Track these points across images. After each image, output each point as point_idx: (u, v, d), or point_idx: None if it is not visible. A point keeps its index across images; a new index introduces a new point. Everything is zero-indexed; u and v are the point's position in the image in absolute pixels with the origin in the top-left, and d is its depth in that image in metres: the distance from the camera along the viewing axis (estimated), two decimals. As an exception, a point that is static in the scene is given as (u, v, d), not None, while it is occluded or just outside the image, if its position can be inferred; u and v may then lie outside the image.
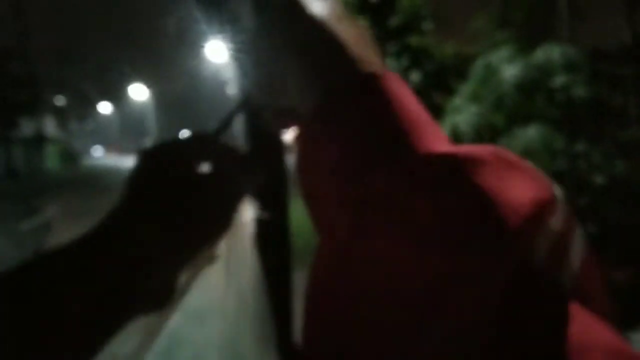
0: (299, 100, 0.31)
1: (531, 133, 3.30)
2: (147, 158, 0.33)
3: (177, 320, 0.38)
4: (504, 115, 3.45)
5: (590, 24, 4.22)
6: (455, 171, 0.26)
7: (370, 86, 0.29)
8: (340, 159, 0.28)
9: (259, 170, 0.36)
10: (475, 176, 0.25)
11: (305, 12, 0.31)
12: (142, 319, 0.33)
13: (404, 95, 0.29)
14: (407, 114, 0.28)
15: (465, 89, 3.60)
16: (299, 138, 0.31)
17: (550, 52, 3.35)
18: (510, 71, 3.33)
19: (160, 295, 0.33)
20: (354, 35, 0.32)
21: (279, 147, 0.39)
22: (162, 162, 0.33)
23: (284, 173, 0.37)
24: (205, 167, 0.32)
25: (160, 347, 0.37)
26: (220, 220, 0.33)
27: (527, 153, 3.25)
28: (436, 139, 0.28)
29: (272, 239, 0.37)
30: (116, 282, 0.30)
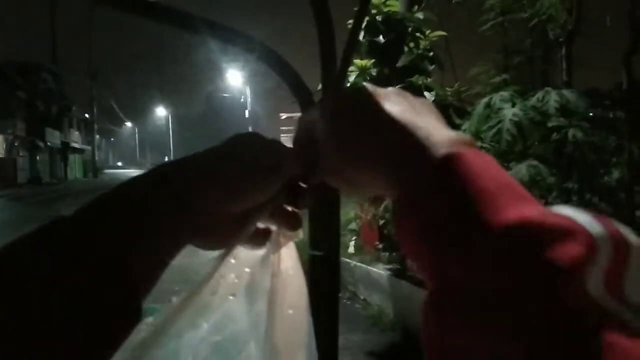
0: (382, 191, 0.32)
1: (525, 169, 3.30)
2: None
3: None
4: (502, 151, 3.46)
5: (590, 69, 4.27)
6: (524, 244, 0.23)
7: (442, 171, 0.27)
8: (418, 253, 0.28)
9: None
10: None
11: (376, 115, 0.31)
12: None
13: (480, 168, 0.27)
14: (482, 188, 0.26)
15: (468, 125, 3.63)
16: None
17: (547, 96, 3.38)
18: (510, 111, 3.34)
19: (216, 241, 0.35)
20: (424, 118, 0.31)
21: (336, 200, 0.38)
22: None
23: (337, 211, 0.37)
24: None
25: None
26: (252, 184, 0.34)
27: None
28: (517, 204, 0.25)
29: (323, 273, 0.37)
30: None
